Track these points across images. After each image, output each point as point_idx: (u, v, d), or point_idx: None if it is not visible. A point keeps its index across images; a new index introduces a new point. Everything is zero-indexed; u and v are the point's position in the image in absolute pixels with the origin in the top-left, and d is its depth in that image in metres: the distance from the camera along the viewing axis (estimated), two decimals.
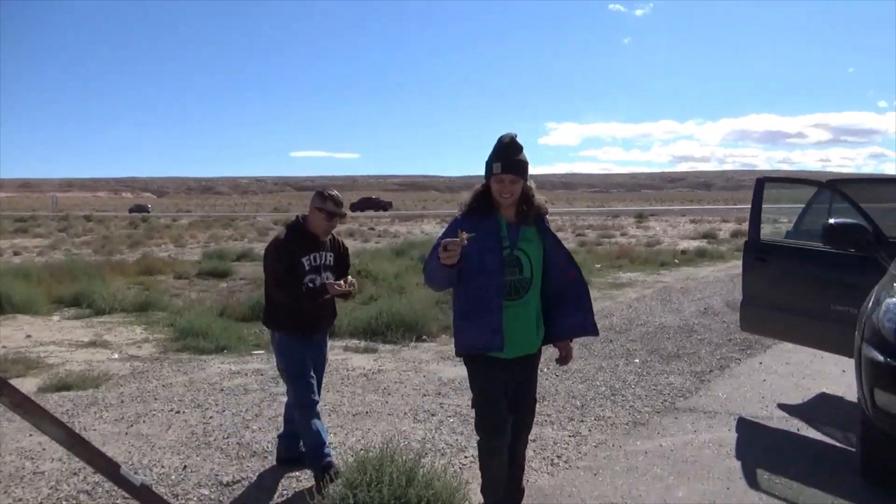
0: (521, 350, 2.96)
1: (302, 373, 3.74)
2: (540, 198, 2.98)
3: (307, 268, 3.70)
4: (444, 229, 3.04)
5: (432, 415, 4.94)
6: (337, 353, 7.06)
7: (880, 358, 3.24)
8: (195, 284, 13.12)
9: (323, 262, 3.78)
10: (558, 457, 4.13)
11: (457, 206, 3.01)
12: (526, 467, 3.91)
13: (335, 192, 3.83)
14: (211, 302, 10.04)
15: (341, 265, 3.94)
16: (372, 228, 35.23)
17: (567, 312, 3.06)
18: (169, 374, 6.18)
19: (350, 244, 23.78)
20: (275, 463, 4.02)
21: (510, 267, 2.88)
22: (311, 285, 3.71)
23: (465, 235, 2.63)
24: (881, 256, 4.21)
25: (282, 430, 4.13)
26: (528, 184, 2.93)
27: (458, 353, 3.02)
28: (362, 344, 7.40)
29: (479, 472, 3.29)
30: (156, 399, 5.36)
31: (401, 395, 5.48)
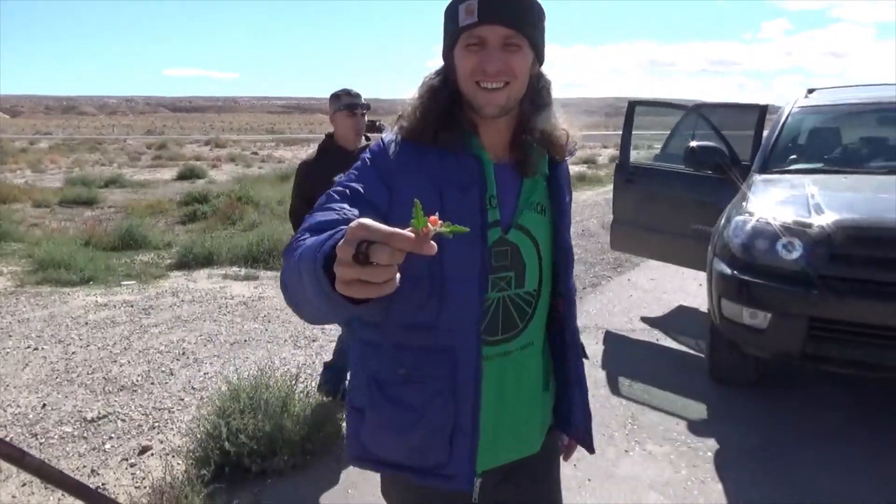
0: (512, 453, 1.37)
1: None
2: (561, 120, 1.31)
3: None
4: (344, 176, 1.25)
5: (313, 340, 4.90)
6: (215, 281, 6.81)
7: (728, 271, 3.51)
8: (57, 213, 12.11)
9: None
10: None
11: (387, 126, 1.45)
12: None
13: (347, 88, 3.46)
14: (75, 231, 9.32)
15: None
16: (255, 153, 33.74)
17: (565, 381, 1.43)
18: (25, 309, 5.72)
19: (231, 170, 22.83)
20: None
21: (500, 267, 1.26)
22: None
23: (437, 224, 0.71)
24: (735, 178, 4.51)
25: (329, 360, 3.84)
26: (541, 71, 1.30)
27: (356, 462, 1.34)
28: (242, 271, 7.17)
29: None
30: (10, 336, 4.97)
31: (281, 322, 5.39)
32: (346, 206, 1.10)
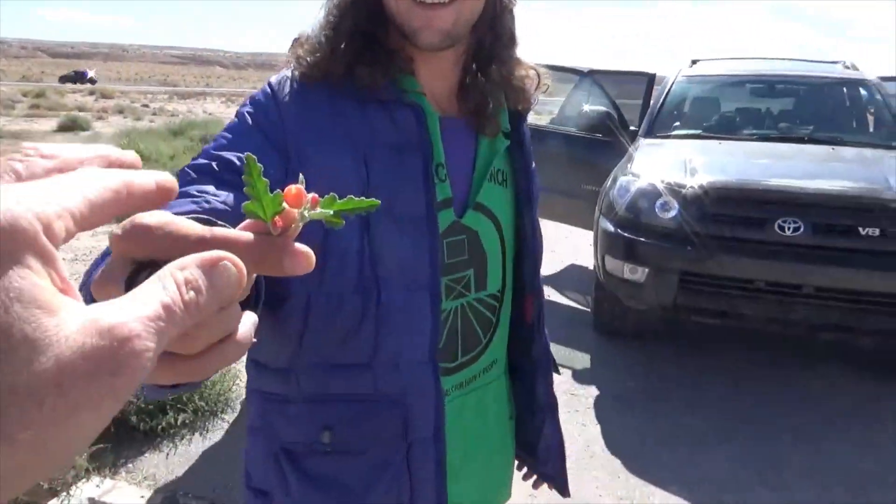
0: None
1: None
2: (527, 62, 0.99)
3: None
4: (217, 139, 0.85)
5: None
6: (100, 239, 6.46)
7: (611, 228, 3.72)
8: None
9: None
10: None
11: (286, 63, 0.91)
12: None
13: None
14: None
15: None
16: (146, 105, 31.78)
17: (531, 406, 1.13)
18: None
19: (119, 122, 21.54)
20: None
21: (456, 265, 0.93)
22: None
23: (304, 204, 0.33)
24: (624, 141, 4.74)
25: None
26: None
27: None
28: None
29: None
30: None
31: None
32: (209, 189, 0.73)
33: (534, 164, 1.03)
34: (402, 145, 0.84)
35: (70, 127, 18.06)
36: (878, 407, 3.42)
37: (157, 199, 0.29)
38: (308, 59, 0.84)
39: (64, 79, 64.22)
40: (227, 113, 26.48)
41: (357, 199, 0.34)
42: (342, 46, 0.83)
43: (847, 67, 5.29)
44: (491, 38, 0.91)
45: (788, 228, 3.27)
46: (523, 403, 1.09)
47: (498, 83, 0.93)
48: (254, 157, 0.31)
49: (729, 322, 3.54)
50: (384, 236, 0.81)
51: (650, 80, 5.44)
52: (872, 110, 4.74)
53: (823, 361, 3.94)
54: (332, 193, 0.34)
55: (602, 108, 4.92)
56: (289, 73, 0.86)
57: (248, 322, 0.32)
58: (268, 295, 0.45)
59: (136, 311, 0.25)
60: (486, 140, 0.95)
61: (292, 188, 0.32)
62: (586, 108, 4.95)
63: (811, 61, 5.64)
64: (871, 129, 4.67)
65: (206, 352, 0.30)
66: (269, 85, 0.86)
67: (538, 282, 1.04)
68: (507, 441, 1.09)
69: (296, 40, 0.87)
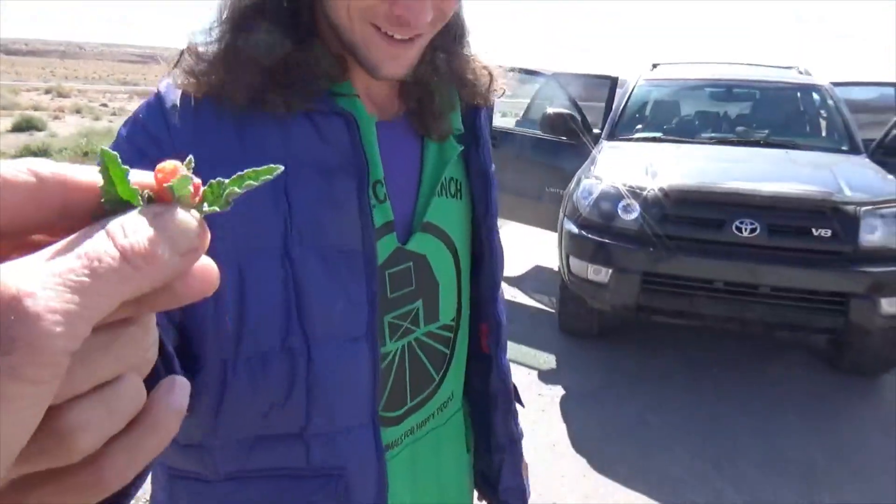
0: None
1: None
2: (481, 59, 0.86)
3: None
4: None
5: None
6: None
7: (575, 230, 3.78)
8: None
9: None
10: None
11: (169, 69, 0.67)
12: None
13: None
14: None
15: None
16: (104, 105, 31.07)
17: (491, 442, 0.98)
18: None
19: (77, 122, 20.94)
20: None
21: (400, 298, 0.79)
22: None
23: (193, 189, 0.25)
24: (587, 143, 4.82)
25: None
26: None
27: None
28: None
29: None
30: None
31: None
32: None
33: (492, 167, 0.86)
34: (331, 165, 0.68)
35: (24, 127, 17.57)
36: (832, 399, 3.54)
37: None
38: (200, 78, 0.65)
39: None
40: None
41: (252, 172, 0.26)
42: (245, 75, 0.64)
43: (801, 73, 5.46)
44: (442, 31, 0.75)
45: (745, 230, 3.36)
46: (480, 438, 0.97)
47: (445, 75, 0.78)
48: (110, 151, 0.23)
49: (690, 321, 3.63)
50: (311, 280, 0.66)
51: (613, 83, 5.53)
52: (825, 115, 4.91)
53: (780, 358, 4.07)
54: (218, 178, 0.26)
55: (565, 111, 4.99)
56: (171, 84, 0.67)
57: (177, 387, 0.24)
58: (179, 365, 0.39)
59: (35, 266, 0.18)
60: (434, 145, 0.80)
61: (167, 164, 0.25)
62: (549, 110, 5.02)
63: (768, 66, 5.81)
64: (824, 134, 4.84)
65: (104, 448, 0.20)
66: (158, 96, 0.67)
67: (496, 307, 0.90)
68: (464, 479, 0.96)
69: (184, 54, 0.67)
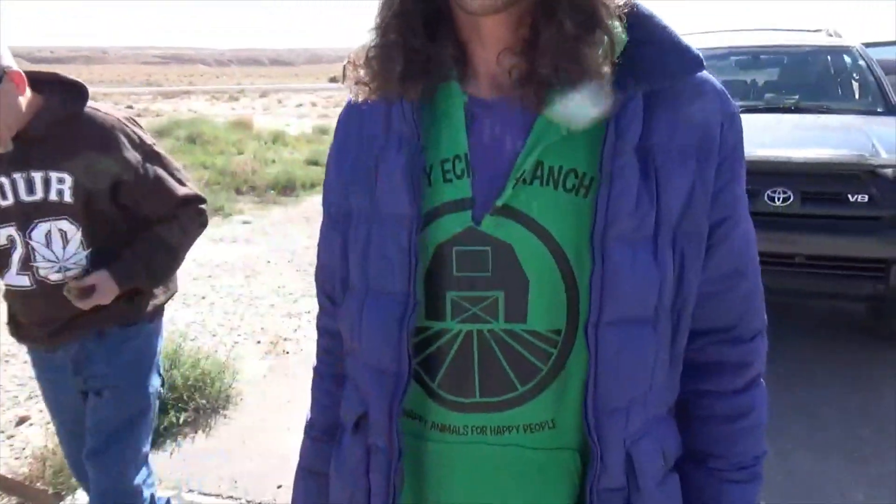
0: None
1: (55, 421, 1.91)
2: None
3: None
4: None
5: (202, 297, 4.78)
6: None
7: None
8: None
9: (13, 191, 1.58)
10: None
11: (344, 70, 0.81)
12: (300, 337, 4.01)
13: None
14: None
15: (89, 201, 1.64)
16: (130, 107, 31.53)
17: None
18: None
19: None
20: None
21: (467, 280, 0.75)
22: None
23: None
24: None
25: None
26: None
27: None
28: None
29: (255, 348, 3.25)
30: None
31: None
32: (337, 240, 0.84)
33: (632, 173, 0.69)
34: (403, 136, 0.75)
35: None
36: (873, 370, 3.46)
37: None
38: (360, 84, 0.77)
39: None
40: (212, 111, 26.29)
41: None
42: (394, 67, 0.73)
43: (830, 35, 5.29)
44: None
45: (778, 199, 3.28)
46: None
47: (571, 45, 0.67)
48: None
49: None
50: (369, 239, 0.77)
51: None
52: (857, 77, 4.75)
53: (819, 330, 3.98)
54: None
55: None
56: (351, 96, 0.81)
57: None
58: None
59: None
60: (542, 127, 0.71)
61: None
62: None
63: (795, 30, 5.64)
64: (857, 96, 4.68)
65: None
66: (348, 104, 0.85)
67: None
68: None
69: (347, 63, 0.80)
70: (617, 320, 0.70)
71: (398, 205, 0.74)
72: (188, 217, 1.74)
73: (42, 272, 1.60)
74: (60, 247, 1.60)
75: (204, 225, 1.79)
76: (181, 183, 1.72)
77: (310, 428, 0.96)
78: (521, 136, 0.72)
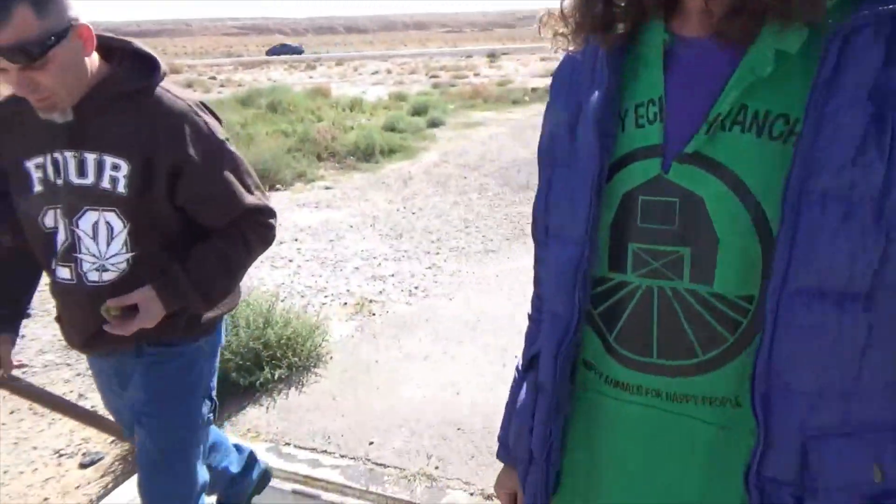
0: None
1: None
2: None
3: (34, 187, 1.41)
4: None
5: (290, 260, 4.91)
6: None
7: None
8: None
9: (64, 171, 1.36)
10: (416, 287, 4.30)
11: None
12: (385, 300, 4.06)
13: None
14: None
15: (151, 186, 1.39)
16: (213, 77, 32.54)
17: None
18: None
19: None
20: None
21: (652, 233, 0.69)
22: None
23: None
24: None
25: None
26: None
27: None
28: None
29: (342, 310, 3.31)
30: None
31: None
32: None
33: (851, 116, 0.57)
34: (602, 80, 0.72)
35: None
36: None
37: None
38: (558, 36, 0.77)
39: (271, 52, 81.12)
40: (290, 79, 26.82)
41: None
42: (594, 12, 0.71)
43: None
44: None
45: None
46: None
47: None
48: None
49: None
50: (562, 182, 0.77)
51: None
52: None
53: None
54: None
55: None
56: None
57: None
58: None
59: None
60: (753, 63, 0.62)
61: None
62: None
63: None
64: None
65: None
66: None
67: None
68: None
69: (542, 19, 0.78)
70: (809, 290, 0.59)
71: (589, 150, 0.71)
72: (253, 230, 1.48)
73: (85, 266, 1.39)
74: (105, 242, 1.37)
75: (270, 241, 1.53)
76: (250, 190, 1.47)
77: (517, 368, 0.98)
78: (725, 77, 0.64)
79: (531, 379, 0.84)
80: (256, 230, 1.48)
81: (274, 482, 2.29)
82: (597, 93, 0.72)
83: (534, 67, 31.83)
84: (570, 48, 0.75)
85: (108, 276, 1.39)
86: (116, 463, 2.61)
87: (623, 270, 0.71)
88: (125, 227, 1.36)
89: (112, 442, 2.68)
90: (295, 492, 2.23)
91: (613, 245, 0.71)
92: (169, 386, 1.51)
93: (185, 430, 1.55)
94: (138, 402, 1.52)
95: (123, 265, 1.39)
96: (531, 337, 0.94)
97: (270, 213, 1.49)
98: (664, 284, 0.68)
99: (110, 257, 1.38)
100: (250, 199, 1.45)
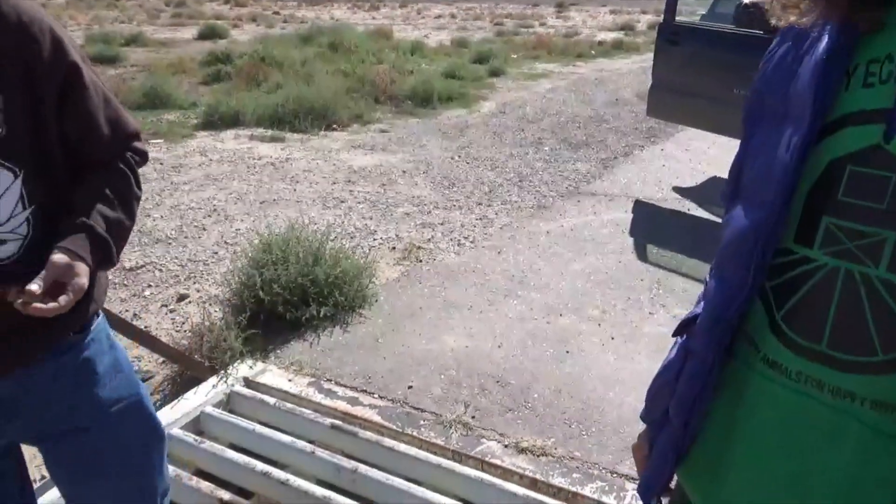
0: None
1: None
2: None
3: None
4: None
5: (342, 202, 4.93)
6: (242, 141, 6.78)
7: None
8: None
9: None
10: (465, 237, 4.27)
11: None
12: (433, 248, 4.05)
13: None
14: None
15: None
16: (277, 13, 32.46)
17: None
18: None
19: (253, 29, 22.09)
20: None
21: (854, 209, 0.61)
22: None
23: None
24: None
25: None
26: None
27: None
28: (269, 132, 7.10)
29: (390, 254, 3.31)
30: None
31: (309, 183, 5.40)
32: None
33: None
34: (833, 27, 0.64)
35: (209, 35, 18.82)
36: None
37: None
38: (787, 8, 0.70)
39: None
40: (353, 18, 26.57)
41: None
42: None
43: None
44: None
45: None
46: None
47: None
48: None
49: None
50: (764, 139, 0.69)
51: None
52: None
53: None
54: None
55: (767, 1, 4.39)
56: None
57: None
58: None
59: None
60: None
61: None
62: (747, 0, 4.44)
63: None
64: None
65: None
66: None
67: None
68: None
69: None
70: None
71: (802, 105, 0.63)
72: (135, 162, 1.18)
73: None
74: None
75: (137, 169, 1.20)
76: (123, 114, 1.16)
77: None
78: None
79: (683, 341, 0.81)
80: (138, 161, 1.19)
81: (314, 416, 2.34)
82: (826, 40, 0.62)
83: (603, 20, 30.70)
84: (803, 20, 0.66)
85: (8, 249, 1.02)
86: (166, 382, 2.71)
87: (809, 245, 0.64)
88: (17, 176, 1.00)
89: (163, 362, 2.78)
90: (333, 426, 2.27)
91: (805, 216, 0.64)
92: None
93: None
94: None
95: (23, 229, 1.03)
96: (700, 298, 0.89)
97: (140, 137, 1.20)
98: (854, 268, 0.61)
99: (7, 220, 1.01)
100: (134, 123, 1.18)
